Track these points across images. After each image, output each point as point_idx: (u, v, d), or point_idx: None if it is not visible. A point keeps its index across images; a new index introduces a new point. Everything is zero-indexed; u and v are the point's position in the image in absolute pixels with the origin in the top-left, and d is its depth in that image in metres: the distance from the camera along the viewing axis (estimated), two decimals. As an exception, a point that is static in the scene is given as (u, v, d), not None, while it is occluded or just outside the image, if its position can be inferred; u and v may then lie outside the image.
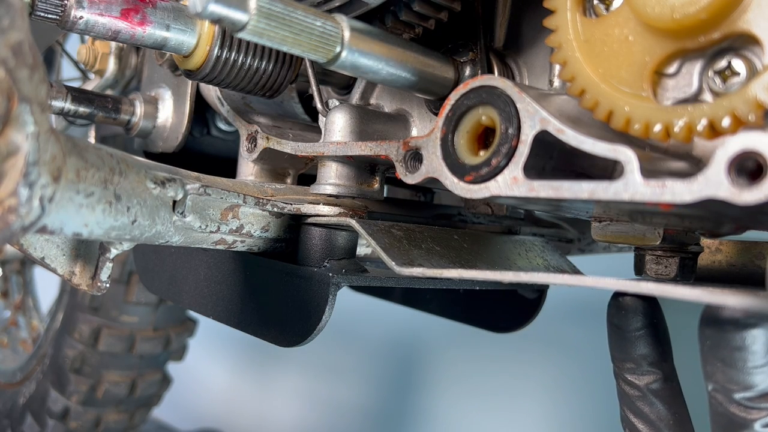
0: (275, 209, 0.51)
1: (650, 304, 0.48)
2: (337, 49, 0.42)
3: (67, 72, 1.17)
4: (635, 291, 0.36)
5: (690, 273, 0.56)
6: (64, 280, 0.45)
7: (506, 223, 0.66)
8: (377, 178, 0.55)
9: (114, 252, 0.45)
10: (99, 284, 0.45)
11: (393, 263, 0.47)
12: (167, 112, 0.75)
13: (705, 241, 0.59)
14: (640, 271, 0.57)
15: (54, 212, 0.33)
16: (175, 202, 0.42)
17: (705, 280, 0.60)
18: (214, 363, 2.11)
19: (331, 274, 0.49)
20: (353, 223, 0.51)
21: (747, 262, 0.60)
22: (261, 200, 0.47)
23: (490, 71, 0.53)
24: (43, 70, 0.31)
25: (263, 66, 0.57)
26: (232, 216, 0.50)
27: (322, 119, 0.57)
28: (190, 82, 0.72)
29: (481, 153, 0.42)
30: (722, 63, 0.36)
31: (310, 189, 0.56)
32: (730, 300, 0.32)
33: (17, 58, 0.29)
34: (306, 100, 0.73)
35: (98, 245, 0.45)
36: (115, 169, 0.37)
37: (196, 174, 0.49)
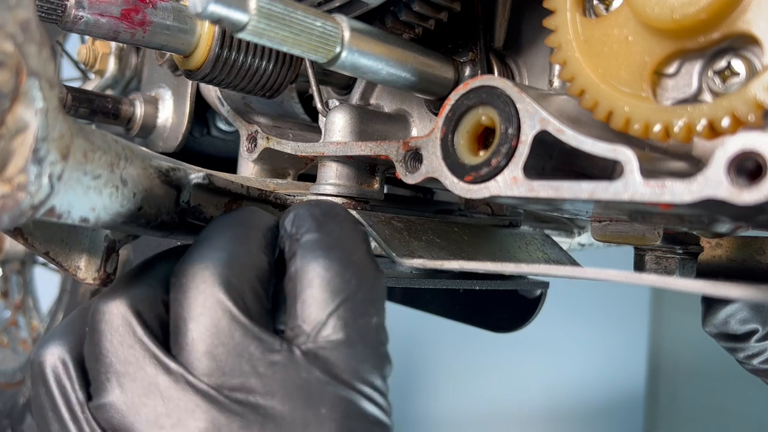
0: (278, 201, 0.51)
1: None
2: (337, 50, 0.42)
3: (67, 72, 1.17)
4: (638, 283, 0.36)
5: (690, 272, 0.56)
6: (69, 274, 0.45)
7: (506, 217, 0.66)
8: (377, 178, 0.55)
9: (120, 243, 0.45)
10: (105, 276, 0.45)
11: (393, 254, 0.47)
12: (167, 112, 0.75)
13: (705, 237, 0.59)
14: (640, 271, 0.57)
15: (62, 192, 0.33)
16: (179, 191, 0.42)
17: (705, 274, 0.60)
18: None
19: (331, 274, 0.49)
20: (353, 213, 0.51)
21: (747, 257, 0.60)
22: (263, 192, 0.47)
23: (490, 71, 0.53)
24: (51, 48, 0.31)
25: (263, 66, 0.57)
26: (236, 208, 0.50)
27: (322, 119, 0.57)
28: (190, 82, 0.72)
29: (481, 153, 0.42)
30: (722, 63, 0.37)
31: (310, 189, 0.56)
32: (733, 292, 0.32)
33: (25, 34, 0.29)
34: (306, 100, 0.73)
35: (103, 237, 0.45)
36: (121, 154, 0.37)
37: (198, 168, 0.49)
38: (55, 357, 0.38)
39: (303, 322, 0.36)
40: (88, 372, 0.37)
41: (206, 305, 0.35)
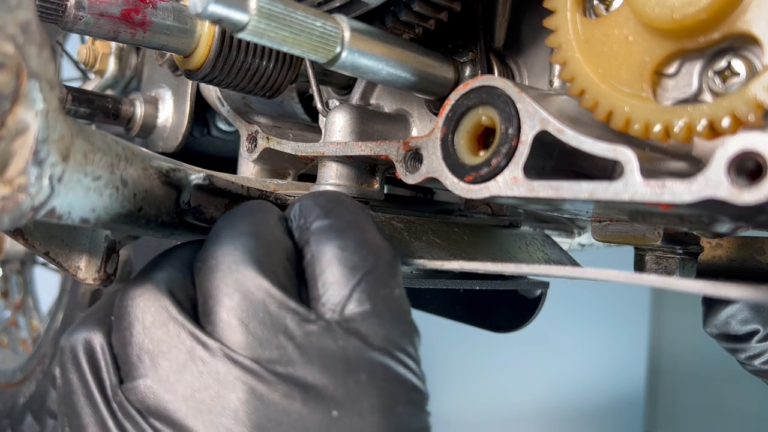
0: (278, 202, 0.52)
1: None
2: (337, 50, 0.42)
3: (67, 72, 1.17)
4: (638, 283, 0.36)
5: (690, 273, 0.56)
6: (70, 275, 0.45)
7: (506, 217, 0.66)
8: (377, 178, 0.55)
9: (120, 244, 0.45)
10: (105, 277, 0.45)
11: None
12: (167, 112, 0.75)
13: (705, 238, 0.59)
14: (640, 271, 0.57)
15: (63, 194, 0.33)
16: (180, 192, 0.42)
17: (705, 274, 0.60)
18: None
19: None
20: None
21: (747, 257, 0.60)
22: (264, 193, 0.47)
23: (490, 71, 0.53)
24: (51, 49, 0.31)
25: (263, 66, 0.57)
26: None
27: (322, 119, 0.57)
28: (190, 82, 0.72)
29: (481, 153, 0.42)
30: (722, 63, 0.37)
31: (310, 188, 0.56)
32: (733, 292, 0.32)
33: (26, 36, 0.29)
34: (306, 100, 0.73)
35: (104, 237, 0.45)
36: (122, 155, 0.37)
37: (198, 168, 0.49)
38: (88, 341, 0.38)
39: (327, 301, 0.36)
40: (117, 358, 0.37)
41: (239, 282, 0.35)
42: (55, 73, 0.31)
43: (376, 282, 0.37)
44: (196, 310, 0.37)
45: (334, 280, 0.36)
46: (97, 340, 0.38)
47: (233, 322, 0.35)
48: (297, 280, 0.38)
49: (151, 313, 0.36)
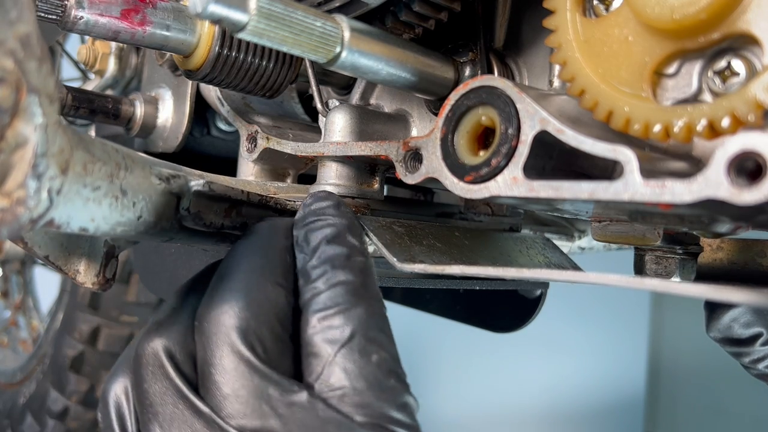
0: (278, 206, 0.51)
1: None
2: (337, 50, 0.42)
3: (67, 72, 1.17)
4: (640, 287, 0.36)
5: (690, 273, 0.56)
6: (69, 278, 0.45)
7: (507, 221, 0.66)
8: (377, 178, 0.55)
9: (119, 248, 0.45)
10: (104, 281, 0.45)
11: (394, 259, 0.47)
12: (167, 112, 0.75)
13: (706, 240, 0.59)
14: (640, 271, 0.57)
15: (62, 205, 0.33)
16: (179, 198, 0.42)
17: (706, 277, 0.60)
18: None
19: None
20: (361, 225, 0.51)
21: (748, 260, 0.60)
22: (264, 198, 0.47)
23: (490, 71, 0.53)
24: (51, 63, 0.31)
25: (263, 66, 0.57)
26: (236, 214, 0.50)
27: (322, 119, 0.57)
28: (190, 82, 0.72)
29: (481, 153, 0.42)
30: (722, 63, 0.37)
31: (310, 189, 0.56)
32: (735, 296, 0.32)
33: (26, 50, 0.29)
34: (306, 100, 0.73)
35: (103, 242, 0.45)
36: (121, 164, 0.37)
37: (199, 172, 0.49)
38: (116, 391, 0.41)
39: (311, 373, 0.38)
40: (137, 410, 0.39)
41: (226, 352, 0.37)
42: (55, 87, 0.31)
43: (352, 353, 0.38)
44: (196, 367, 0.39)
45: (315, 352, 0.38)
46: (122, 390, 0.41)
47: (224, 391, 0.37)
48: (291, 339, 0.39)
49: (155, 375, 0.39)
